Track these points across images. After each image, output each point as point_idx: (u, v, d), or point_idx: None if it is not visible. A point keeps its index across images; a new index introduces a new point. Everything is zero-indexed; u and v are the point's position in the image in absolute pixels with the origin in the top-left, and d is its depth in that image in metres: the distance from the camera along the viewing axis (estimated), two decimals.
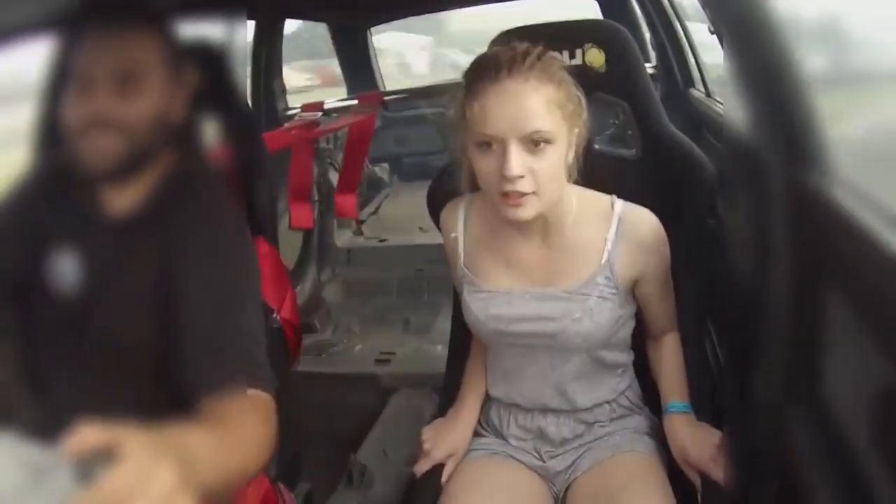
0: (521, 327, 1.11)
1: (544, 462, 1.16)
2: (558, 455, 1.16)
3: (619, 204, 1.10)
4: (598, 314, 1.08)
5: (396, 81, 4.31)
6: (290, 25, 3.20)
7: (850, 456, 0.70)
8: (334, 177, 2.88)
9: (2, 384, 0.99)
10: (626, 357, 1.18)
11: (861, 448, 0.69)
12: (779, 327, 0.81)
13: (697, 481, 1.10)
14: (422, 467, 1.17)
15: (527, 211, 1.00)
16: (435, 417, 1.26)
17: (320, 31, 3.59)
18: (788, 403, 0.81)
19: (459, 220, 1.16)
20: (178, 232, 0.95)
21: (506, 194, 0.99)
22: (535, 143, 0.97)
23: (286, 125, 2.75)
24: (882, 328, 0.65)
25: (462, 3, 3.18)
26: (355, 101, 3.11)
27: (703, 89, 2.53)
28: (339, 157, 2.96)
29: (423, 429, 1.22)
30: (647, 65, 1.66)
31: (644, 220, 1.10)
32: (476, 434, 1.21)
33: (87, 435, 0.60)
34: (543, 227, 1.09)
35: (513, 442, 1.18)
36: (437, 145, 3.17)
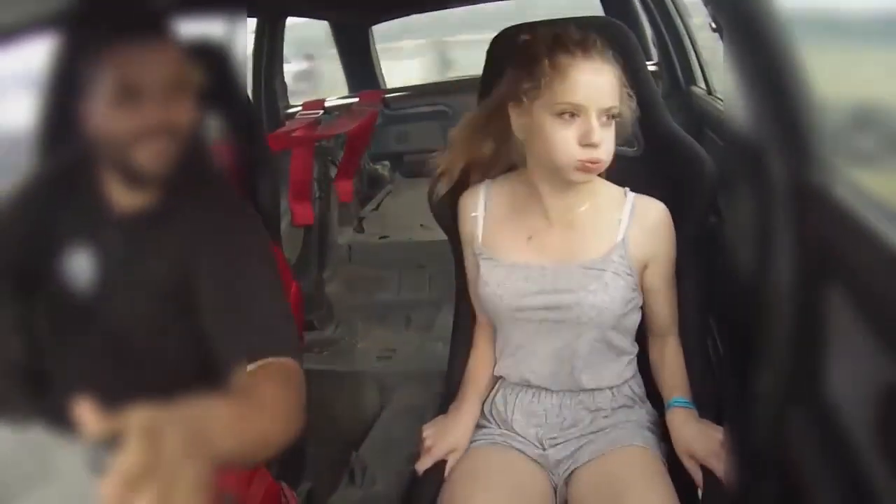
0: (538, 300, 1.14)
1: (545, 450, 1.17)
2: (559, 443, 1.16)
3: (631, 194, 1.17)
4: (613, 289, 1.13)
5: None
6: None
7: (852, 454, 0.70)
8: (335, 174, 2.88)
9: (6, 376, 0.99)
10: (632, 347, 1.21)
11: (863, 446, 0.69)
12: (780, 325, 0.81)
13: (699, 477, 1.10)
14: (423, 464, 1.18)
15: (592, 174, 1.10)
16: (436, 415, 1.26)
17: None
18: (790, 402, 0.81)
19: (480, 202, 1.21)
20: (190, 223, 0.98)
21: (580, 162, 1.07)
22: (609, 116, 1.07)
23: (288, 125, 2.76)
24: (884, 326, 0.65)
25: (464, 2, 3.18)
26: (356, 99, 3.12)
27: (704, 86, 2.53)
28: (340, 154, 2.96)
29: (424, 426, 1.23)
30: (648, 62, 1.66)
31: (654, 207, 1.17)
32: (478, 426, 1.22)
33: (89, 418, 0.60)
34: (563, 206, 1.15)
35: (516, 427, 1.19)
36: (438, 142, 3.16)
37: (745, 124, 0.87)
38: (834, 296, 0.74)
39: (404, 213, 2.86)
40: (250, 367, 0.91)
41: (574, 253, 1.15)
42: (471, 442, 1.19)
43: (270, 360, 0.93)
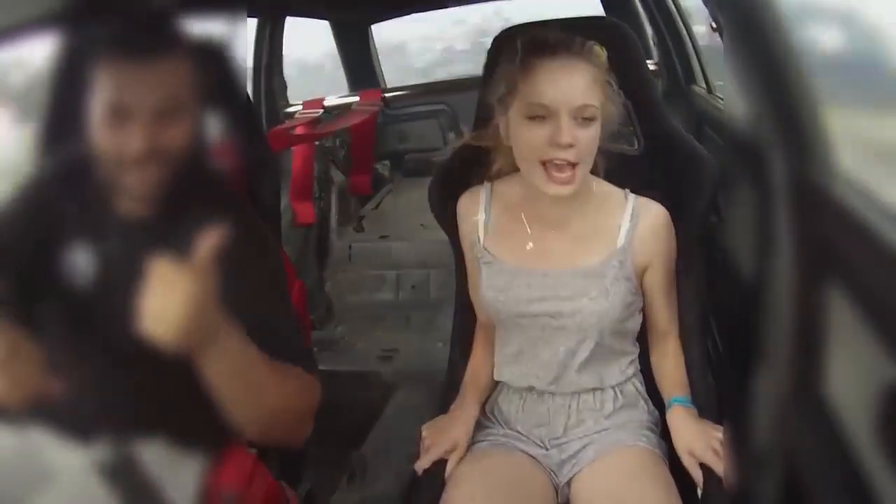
0: (540, 307, 1.14)
1: (548, 451, 1.17)
2: (563, 443, 1.17)
3: (632, 196, 1.16)
4: (614, 294, 1.12)
5: None
6: None
7: (852, 454, 0.70)
8: (335, 173, 2.88)
9: None
10: (633, 348, 1.21)
11: (863, 446, 0.69)
12: (780, 325, 0.81)
13: (699, 477, 1.10)
14: (423, 464, 1.18)
15: (570, 186, 1.06)
16: (436, 415, 1.26)
17: None
18: (790, 401, 0.81)
19: (481, 205, 1.21)
20: (197, 230, 0.97)
21: (547, 164, 1.05)
22: (583, 117, 1.05)
23: (287, 123, 2.76)
24: (884, 326, 0.65)
25: (463, 1, 3.18)
26: (357, 98, 3.11)
27: (704, 86, 2.53)
28: (341, 153, 2.96)
29: (423, 425, 1.23)
30: (648, 61, 1.66)
31: (655, 211, 1.16)
32: (480, 426, 1.22)
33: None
34: (564, 211, 1.14)
35: (520, 428, 1.19)
36: (439, 142, 3.16)
37: (746, 123, 0.87)
38: (834, 296, 0.74)
39: (404, 212, 2.86)
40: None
41: (575, 258, 1.14)
42: (474, 442, 1.19)
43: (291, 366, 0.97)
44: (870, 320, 0.68)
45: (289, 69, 3.08)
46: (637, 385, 1.21)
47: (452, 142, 3.07)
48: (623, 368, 1.19)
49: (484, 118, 1.18)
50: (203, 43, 0.98)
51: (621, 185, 1.18)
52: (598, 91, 1.06)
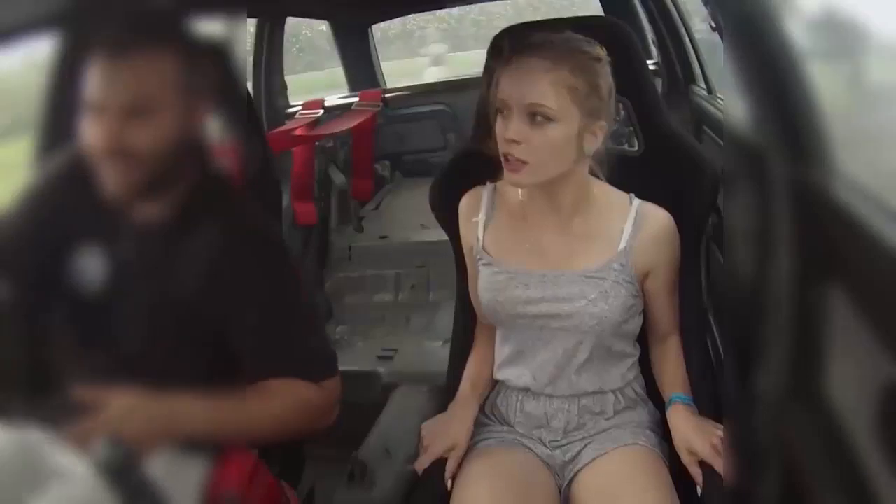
0: (538, 308, 1.13)
1: (552, 452, 1.17)
2: (562, 445, 1.17)
3: (637, 201, 1.15)
4: (613, 297, 1.12)
5: None
6: None
7: (852, 454, 0.70)
8: (335, 174, 2.88)
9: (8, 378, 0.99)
10: (634, 350, 1.21)
11: (863, 446, 0.69)
12: (781, 325, 0.81)
13: (698, 475, 1.10)
14: (422, 463, 1.18)
15: (521, 176, 1.07)
16: (437, 414, 1.26)
17: None
18: (790, 401, 0.81)
19: (482, 206, 1.20)
20: (212, 242, 0.97)
21: (506, 157, 1.06)
22: (533, 115, 1.04)
23: (288, 124, 2.75)
24: (886, 326, 0.65)
25: (463, 1, 3.18)
26: (356, 99, 3.11)
27: (704, 86, 2.53)
28: (340, 154, 2.96)
29: (422, 424, 1.23)
30: (648, 61, 1.66)
31: (660, 217, 1.15)
32: (481, 424, 1.22)
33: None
34: (565, 213, 1.14)
35: (519, 429, 1.19)
36: (438, 142, 3.16)
37: (746, 124, 0.87)
38: (834, 296, 0.74)
39: (404, 212, 2.86)
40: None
41: (574, 260, 1.14)
42: (479, 440, 1.19)
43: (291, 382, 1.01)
44: (870, 320, 0.68)
45: None
46: (637, 388, 1.21)
47: (452, 142, 3.07)
48: (623, 372, 1.18)
49: (484, 118, 1.18)
50: (189, 42, 0.96)
51: (621, 185, 1.18)
52: (560, 94, 1.04)
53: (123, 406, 0.89)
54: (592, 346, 1.14)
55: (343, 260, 2.78)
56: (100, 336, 0.97)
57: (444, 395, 1.33)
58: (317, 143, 2.74)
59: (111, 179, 0.93)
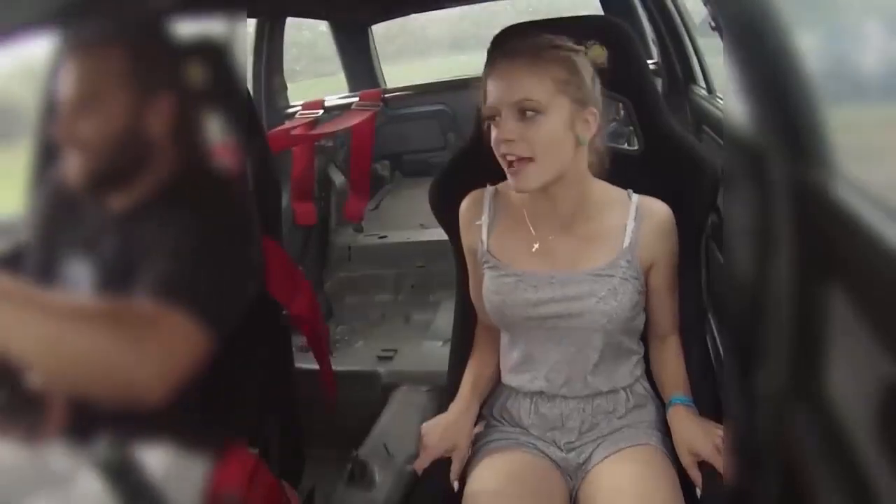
0: (548, 309, 1.13)
1: (566, 454, 1.17)
2: (576, 447, 1.17)
3: (635, 196, 1.17)
4: (622, 294, 1.12)
5: None
6: None
7: (852, 454, 0.70)
8: (335, 174, 2.88)
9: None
10: (639, 347, 1.22)
11: (863, 446, 0.69)
12: (781, 325, 0.81)
13: (698, 476, 1.10)
14: (421, 463, 1.18)
15: (527, 179, 1.07)
16: (437, 414, 1.26)
17: None
18: (790, 401, 0.81)
19: (485, 209, 1.21)
20: (179, 222, 0.97)
21: (507, 161, 1.07)
22: (523, 111, 1.05)
23: (287, 124, 2.76)
24: (886, 326, 0.65)
25: (462, 1, 3.18)
26: (356, 99, 3.11)
27: (704, 85, 2.52)
28: (340, 154, 2.96)
29: (423, 424, 1.23)
30: (648, 61, 1.65)
31: (659, 209, 1.16)
32: (491, 426, 1.22)
33: None
34: (567, 214, 1.14)
35: (534, 432, 1.19)
36: (438, 142, 3.17)
37: (745, 124, 0.87)
38: (834, 295, 0.74)
39: (404, 212, 2.86)
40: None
41: (581, 260, 1.14)
42: (491, 440, 1.19)
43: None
44: (869, 320, 0.68)
45: None
46: (645, 385, 1.22)
47: (452, 142, 3.07)
48: (631, 369, 1.19)
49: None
50: (143, 37, 0.98)
51: (621, 185, 1.18)
52: (546, 86, 1.06)
53: None
54: (604, 345, 1.15)
55: (343, 260, 2.79)
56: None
57: (444, 395, 1.33)
58: (316, 144, 2.74)
59: (70, 170, 0.96)
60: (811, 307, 0.77)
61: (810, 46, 0.80)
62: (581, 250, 1.14)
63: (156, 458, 0.95)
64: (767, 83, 0.82)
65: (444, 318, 2.20)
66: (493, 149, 1.09)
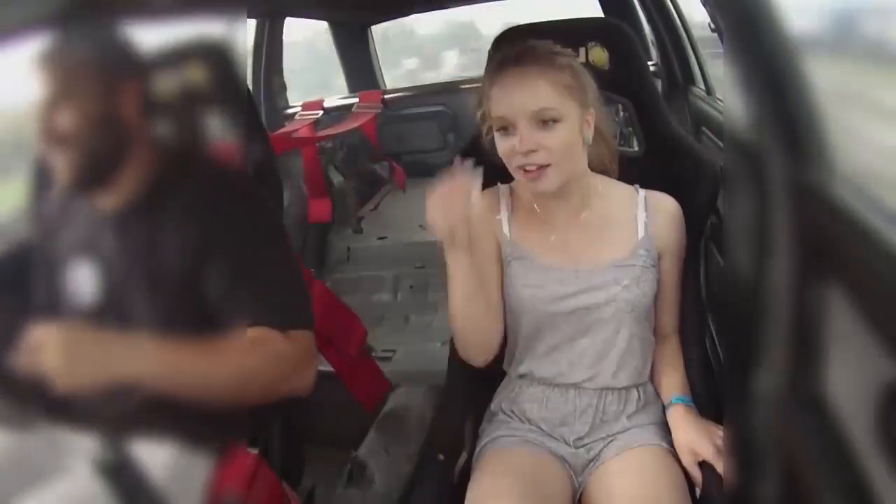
0: (576, 301, 1.15)
1: (575, 450, 1.17)
2: (586, 444, 1.17)
3: (642, 190, 1.20)
4: (644, 282, 1.15)
5: None
6: None
7: (852, 454, 0.70)
8: (334, 174, 2.88)
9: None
10: (653, 338, 1.23)
11: (862, 446, 0.69)
12: (780, 324, 0.81)
13: (698, 476, 1.10)
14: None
15: (547, 182, 1.09)
16: (435, 415, 1.26)
17: None
18: (790, 401, 0.81)
19: (502, 205, 1.22)
20: (186, 213, 0.99)
21: (524, 170, 1.08)
22: (543, 121, 1.07)
23: (288, 126, 2.76)
24: (885, 326, 0.65)
25: (462, 2, 3.18)
26: (356, 100, 3.11)
27: (703, 87, 2.53)
28: (340, 155, 2.96)
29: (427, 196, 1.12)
30: (648, 62, 1.66)
31: (667, 201, 1.20)
32: (501, 421, 1.21)
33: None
34: (579, 208, 1.17)
35: (543, 427, 1.18)
36: (438, 143, 3.17)
37: (745, 124, 0.87)
38: (833, 294, 0.74)
39: (403, 213, 2.86)
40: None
41: (602, 254, 1.16)
42: (500, 436, 1.18)
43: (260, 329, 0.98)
44: (869, 320, 0.68)
45: None
46: (652, 385, 1.22)
47: (451, 143, 3.07)
48: (648, 365, 1.20)
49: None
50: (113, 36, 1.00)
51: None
52: (560, 94, 1.07)
53: (53, 339, 0.84)
54: (629, 334, 1.16)
55: (342, 261, 2.79)
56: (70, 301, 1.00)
57: (443, 394, 1.33)
58: (317, 145, 2.74)
59: (57, 169, 0.98)
60: (810, 307, 0.77)
61: None
62: (600, 245, 1.17)
63: (158, 458, 0.95)
64: (767, 83, 0.82)
65: (443, 319, 2.19)
66: (505, 159, 1.10)
